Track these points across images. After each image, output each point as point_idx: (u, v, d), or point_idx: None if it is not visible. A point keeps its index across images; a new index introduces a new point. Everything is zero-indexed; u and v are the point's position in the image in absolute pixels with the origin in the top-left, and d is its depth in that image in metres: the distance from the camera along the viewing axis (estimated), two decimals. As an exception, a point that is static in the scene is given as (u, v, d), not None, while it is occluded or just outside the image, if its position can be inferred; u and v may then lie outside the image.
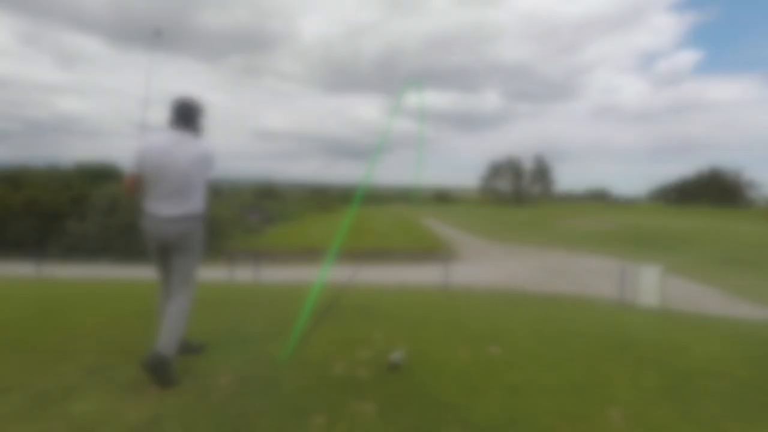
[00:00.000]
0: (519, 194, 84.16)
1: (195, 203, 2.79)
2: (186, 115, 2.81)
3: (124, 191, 2.85)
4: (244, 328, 3.71)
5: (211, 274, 11.98)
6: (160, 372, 2.53)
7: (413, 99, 3.45)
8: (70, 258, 14.65)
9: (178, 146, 2.77)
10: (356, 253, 15.51)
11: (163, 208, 2.74)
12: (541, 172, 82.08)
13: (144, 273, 11.22)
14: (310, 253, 15.61)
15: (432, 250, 16.59)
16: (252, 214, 22.00)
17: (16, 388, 2.47)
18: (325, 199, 47.58)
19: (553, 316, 4.62)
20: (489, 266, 14.35)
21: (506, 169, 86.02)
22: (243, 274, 11.37)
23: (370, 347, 3.31)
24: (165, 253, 2.81)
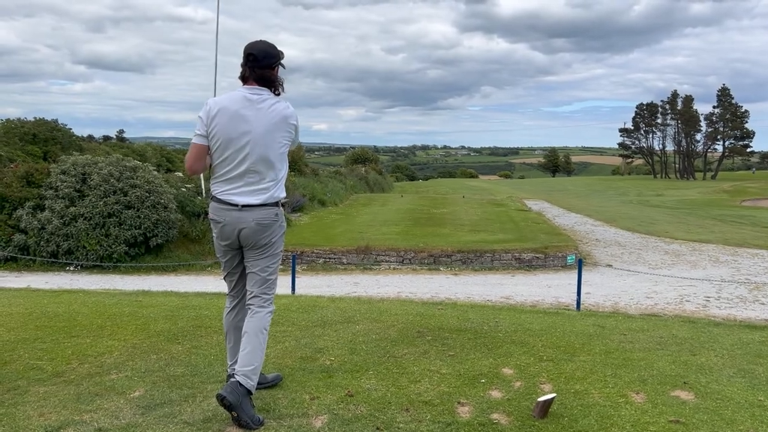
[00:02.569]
0: (689, 157, 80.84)
1: (277, 186, 3.26)
2: (264, 67, 3.19)
3: (186, 169, 3.35)
4: (321, 355, 4.22)
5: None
6: (240, 409, 3.00)
7: None
8: (23, 263, 16.21)
9: (254, 107, 3.17)
10: (437, 255, 15.94)
11: (237, 193, 3.20)
12: (729, 119, 77.89)
13: (135, 282, 12.32)
14: (364, 255, 16.23)
15: (548, 251, 16.66)
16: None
17: (69, 426, 3.07)
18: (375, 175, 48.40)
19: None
20: (647, 276, 14.25)
21: (665, 116, 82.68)
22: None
23: (502, 385, 3.69)
24: (238, 252, 3.34)
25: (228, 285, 3.51)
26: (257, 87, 3.21)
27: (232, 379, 3.12)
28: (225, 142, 3.16)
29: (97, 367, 4.03)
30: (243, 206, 3.19)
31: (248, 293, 3.34)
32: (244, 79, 3.23)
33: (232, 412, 3.01)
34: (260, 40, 3.27)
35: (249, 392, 3.09)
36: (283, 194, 3.31)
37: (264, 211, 3.22)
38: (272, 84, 3.25)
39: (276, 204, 3.26)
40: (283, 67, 3.30)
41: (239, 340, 3.28)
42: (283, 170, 3.30)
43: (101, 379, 3.78)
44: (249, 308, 3.30)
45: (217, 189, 3.25)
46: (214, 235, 3.36)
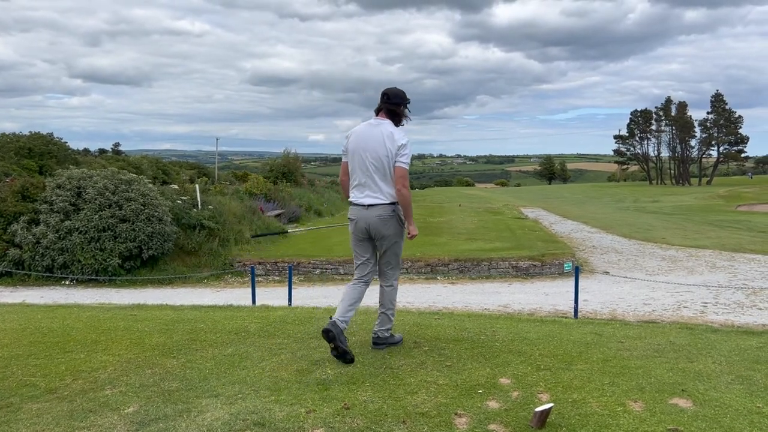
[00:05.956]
0: (684, 163, 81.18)
1: (388, 190, 4.33)
2: (393, 104, 4.41)
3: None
4: (317, 367, 4.20)
5: (226, 295, 12.84)
6: (337, 341, 4.20)
7: None
8: (18, 278, 16.13)
9: (371, 130, 4.38)
10: (434, 264, 15.92)
11: (363, 197, 4.37)
12: (723, 125, 78.24)
13: (130, 296, 12.26)
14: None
15: (545, 259, 16.65)
16: (268, 207, 23.02)
17: (62, 441, 3.04)
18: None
19: (767, 357, 4.74)
20: (644, 283, 14.25)
21: (659, 122, 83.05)
22: (270, 294, 12.12)
23: (499, 395, 3.67)
24: (369, 243, 4.54)
25: (357, 270, 4.64)
26: (381, 118, 4.42)
27: (332, 319, 4.29)
28: (351, 156, 4.44)
29: (90, 382, 4.01)
30: (368, 206, 4.36)
31: (380, 270, 4.67)
32: (378, 111, 4.46)
33: (330, 344, 4.22)
34: (394, 87, 4.49)
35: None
36: (394, 198, 4.37)
37: (382, 209, 4.36)
38: (397, 116, 4.46)
39: (392, 204, 4.37)
40: (409, 111, 4.54)
41: (349, 301, 4.50)
42: (390, 179, 4.35)
43: (95, 395, 3.75)
44: (380, 281, 4.71)
45: (352, 195, 4.48)
46: (350, 229, 4.58)
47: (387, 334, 4.64)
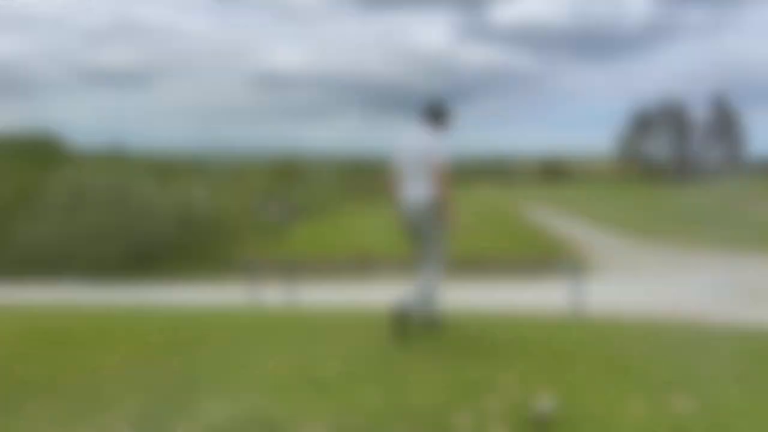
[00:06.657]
0: (684, 163, 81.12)
1: (426, 188, 4.84)
2: (428, 113, 5.08)
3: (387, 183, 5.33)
4: (318, 367, 4.19)
5: (226, 294, 12.82)
6: (398, 325, 4.73)
7: None
8: (21, 274, 16.15)
9: (412, 135, 5.06)
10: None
11: (405, 192, 4.98)
12: (724, 126, 78.28)
13: (131, 294, 12.25)
14: (362, 263, 16.20)
15: (546, 258, 16.66)
16: (268, 205, 23.02)
17: (61, 440, 3.04)
18: (368, 179, 48.32)
19: (766, 357, 4.74)
20: (643, 283, 14.25)
21: (662, 122, 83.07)
22: (270, 294, 12.10)
23: (499, 393, 3.66)
24: (413, 232, 5.03)
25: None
26: (423, 123, 5.05)
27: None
28: (398, 159, 5.08)
29: (91, 381, 4.00)
30: (411, 201, 4.94)
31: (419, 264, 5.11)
32: (422, 117, 5.08)
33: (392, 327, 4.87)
34: (438, 96, 5.21)
35: (404, 310, 4.79)
36: (432, 196, 4.84)
37: (419, 204, 4.87)
38: (435, 124, 5.06)
39: (426, 201, 4.84)
40: (450, 119, 5.13)
41: None
42: (429, 179, 4.86)
43: (95, 393, 3.75)
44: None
45: (401, 192, 5.04)
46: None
47: (417, 308, 4.90)
